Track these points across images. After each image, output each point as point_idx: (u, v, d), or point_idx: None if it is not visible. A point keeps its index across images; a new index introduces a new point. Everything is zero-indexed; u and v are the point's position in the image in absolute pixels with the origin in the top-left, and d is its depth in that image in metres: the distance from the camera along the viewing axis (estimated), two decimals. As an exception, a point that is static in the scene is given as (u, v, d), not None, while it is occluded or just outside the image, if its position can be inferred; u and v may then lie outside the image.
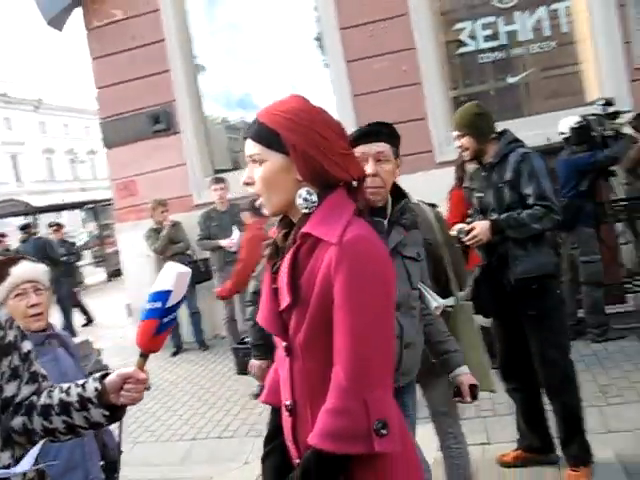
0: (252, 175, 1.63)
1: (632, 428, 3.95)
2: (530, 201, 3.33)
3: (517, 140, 3.52)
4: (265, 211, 1.67)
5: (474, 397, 2.53)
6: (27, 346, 1.67)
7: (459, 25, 7.35)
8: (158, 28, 7.97)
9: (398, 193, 2.49)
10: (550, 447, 3.70)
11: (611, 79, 6.61)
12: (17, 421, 1.61)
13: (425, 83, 7.14)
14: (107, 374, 1.64)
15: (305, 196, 1.57)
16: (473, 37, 7.30)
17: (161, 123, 8.06)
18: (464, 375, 2.56)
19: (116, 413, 1.65)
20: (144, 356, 1.62)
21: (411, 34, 7.10)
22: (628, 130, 5.41)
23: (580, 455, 3.49)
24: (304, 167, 1.56)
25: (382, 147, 2.39)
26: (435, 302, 2.59)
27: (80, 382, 1.66)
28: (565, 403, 3.48)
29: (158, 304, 1.51)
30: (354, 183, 1.64)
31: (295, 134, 1.55)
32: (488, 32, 7.25)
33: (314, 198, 1.57)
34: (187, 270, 1.54)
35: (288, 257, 1.59)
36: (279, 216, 1.71)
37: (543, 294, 3.41)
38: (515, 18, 7.14)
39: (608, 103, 5.52)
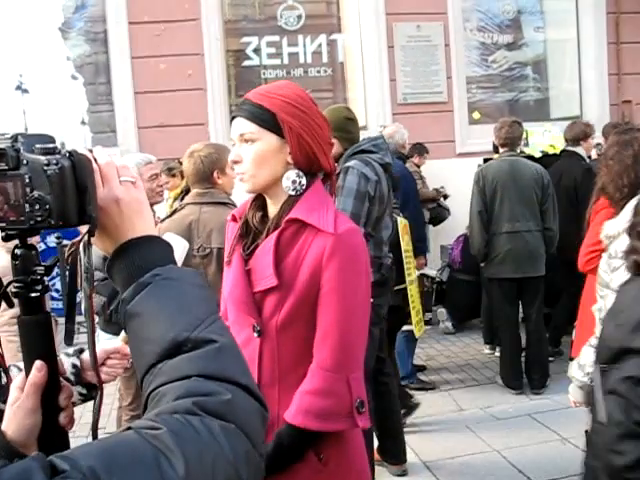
0: (240, 153, 1.64)
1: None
2: None
3: (360, 152, 3.34)
4: (245, 188, 1.67)
5: None
6: None
7: (245, 39, 7.58)
8: None
9: None
10: None
11: (376, 110, 7.42)
12: None
13: (209, 89, 7.23)
14: (82, 349, 1.44)
15: (294, 178, 1.61)
16: (257, 51, 7.60)
17: None
18: None
19: (90, 393, 1.45)
20: None
21: (200, 39, 7.14)
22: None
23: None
24: (297, 150, 1.60)
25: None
26: None
27: None
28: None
29: None
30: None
31: (292, 117, 1.59)
32: (272, 50, 7.60)
33: (303, 181, 1.62)
34: (187, 244, 1.46)
35: (272, 240, 1.60)
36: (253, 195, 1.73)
37: None
38: (298, 41, 7.60)
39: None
